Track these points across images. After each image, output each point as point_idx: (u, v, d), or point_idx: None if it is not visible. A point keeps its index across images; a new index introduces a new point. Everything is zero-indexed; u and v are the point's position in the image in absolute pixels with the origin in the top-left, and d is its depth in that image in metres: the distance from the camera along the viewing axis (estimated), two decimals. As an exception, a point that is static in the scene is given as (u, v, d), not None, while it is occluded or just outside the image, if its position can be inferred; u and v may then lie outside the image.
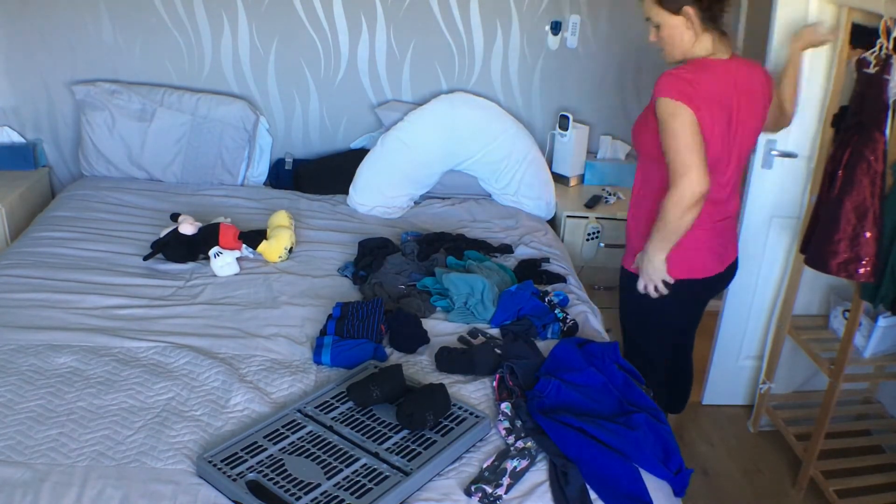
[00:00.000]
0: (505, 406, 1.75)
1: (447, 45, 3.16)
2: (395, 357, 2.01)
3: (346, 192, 3.04)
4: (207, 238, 2.43)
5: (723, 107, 1.93)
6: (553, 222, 3.18)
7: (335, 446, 1.59)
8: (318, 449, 1.58)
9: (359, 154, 3.11)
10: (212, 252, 2.38)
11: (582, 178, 3.32)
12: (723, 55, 1.98)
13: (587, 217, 3.02)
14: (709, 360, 2.95)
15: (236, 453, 1.55)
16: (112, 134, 3.01)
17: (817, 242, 2.20)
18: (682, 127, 1.85)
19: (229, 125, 3.06)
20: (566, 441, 1.63)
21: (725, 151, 1.99)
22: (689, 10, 1.91)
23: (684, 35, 1.95)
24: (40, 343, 1.93)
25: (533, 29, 3.18)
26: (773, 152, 2.58)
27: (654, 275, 2.02)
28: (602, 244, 3.02)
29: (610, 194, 3.18)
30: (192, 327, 2.07)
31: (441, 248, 2.52)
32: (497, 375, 1.86)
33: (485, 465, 1.58)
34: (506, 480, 1.53)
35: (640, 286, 2.06)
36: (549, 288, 2.39)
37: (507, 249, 2.67)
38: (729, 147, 2.00)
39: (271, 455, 1.55)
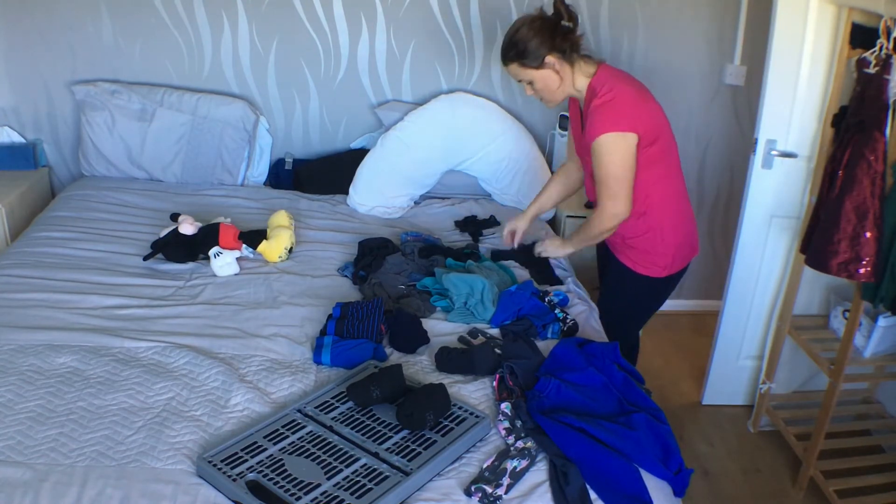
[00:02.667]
0: (505, 406, 1.75)
1: (447, 45, 3.16)
2: (395, 357, 2.01)
3: (346, 192, 3.04)
4: (207, 238, 2.43)
5: (649, 99, 2.10)
6: (553, 222, 3.18)
7: (335, 446, 1.59)
8: (318, 449, 1.58)
9: (359, 154, 3.11)
10: (212, 252, 2.38)
11: (582, 178, 3.32)
12: (592, 68, 2.12)
13: (587, 217, 3.02)
14: (709, 360, 2.95)
15: (236, 453, 1.55)
16: (112, 134, 3.01)
17: (817, 242, 2.20)
18: (615, 158, 2.02)
19: (229, 125, 3.06)
20: (566, 441, 1.63)
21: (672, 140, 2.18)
22: (550, 59, 2.06)
23: (556, 80, 2.10)
24: (40, 343, 1.93)
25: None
26: (773, 152, 2.58)
27: (560, 255, 2.41)
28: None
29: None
30: (192, 327, 2.07)
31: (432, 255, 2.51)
32: (497, 375, 1.86)
33: (485, 465, 1.58)
34: (506, 480, 1.53)
35: (540, 251, 2.40)
36: (549, 287, 2.39)
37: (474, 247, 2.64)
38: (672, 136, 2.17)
39: (271, 455, 1.55)
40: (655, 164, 2.11)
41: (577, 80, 2.12)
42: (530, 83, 2.13)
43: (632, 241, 2.23)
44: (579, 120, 2.22)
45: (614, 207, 2.08)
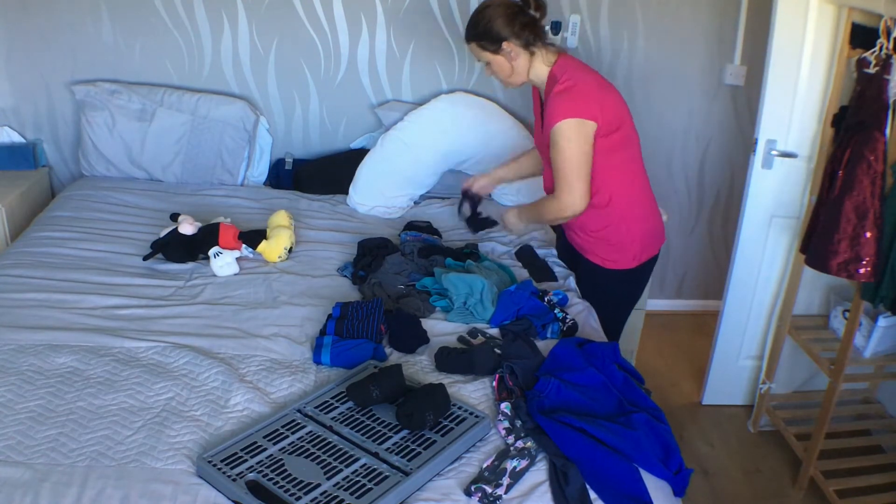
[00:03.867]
0: (505, 406, 1.75)
1: (447, 45, 3.16)
2: (394, 357, 2.01)
3: (346, 192, 3.04)
4: (207, 238, 2.43)
5: (610, 89, 2.13)
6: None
7: (335, 446, 1.59)
8: (318, 449, 1.58)
9: (359, 154, 3.11)
10: (212, 252, 2.38)
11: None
12: (553, 57, 2.14)
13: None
14: (709, 360, 2.95)
15: (236, 453, 1.55)
16: (112, 134, 3.01)
17: (817, 242, 2.20)
18: (573, 146, 2.04)
19: (229, 125, 3.06)
20: (566, 441, 1.63)
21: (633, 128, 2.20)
22: (507, 45, 2.09)
23: (508, 68, 2.13)
24: (40, 343, 1.93)
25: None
26: (773, 152, 2.58)
27: (514, 229, 2.44)
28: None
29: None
30: (192, 327, 2.07)
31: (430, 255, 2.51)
32: (497, 375, 1.86)
33: (485, 465, 1.58)
34: (506, 480, 1.53)
35: (506, 225, 2.41)
36: (547, 287, 2.39)
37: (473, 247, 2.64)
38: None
39: (271, 455, 1.55)
40: (616, 153, 2.14)
41: (537, 67, 2.14)
42: (488, 64, 2.17)
43: (597, 234, 2.26)
44: (539, 110, 2.24)
45: (570, 199, 2.09)
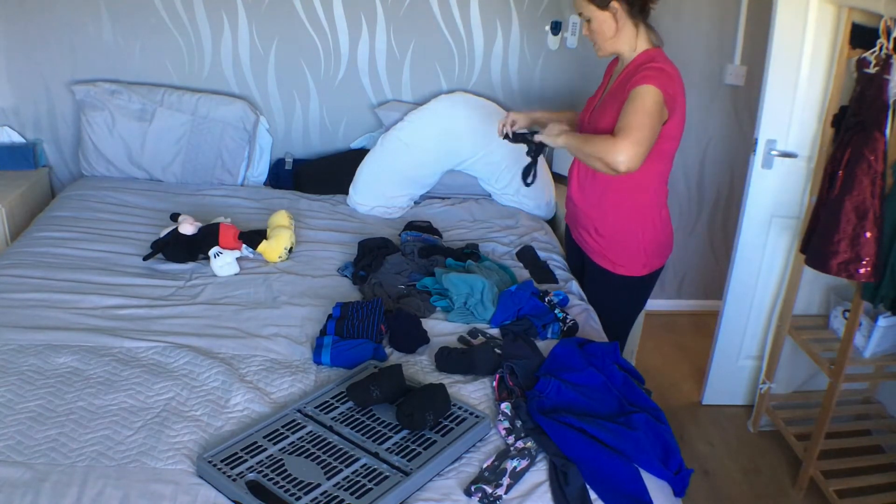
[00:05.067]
0: (505, 406, 1.75)
1: (447, 45, 3.16)
2: (395, 357, 2.01)
3: (346, 192, 3.04)
4: (207, 238, 2.43)
5: (684, 103, 2.09)
6: (553, 222, 3.18)
7: (335, 446, 1.59)
8: (318, 449, 1.58)
9: (359, 154, 3.11)
10: (212, 252, 2.38)
11: (582, 178, 3.32)
12: (654, 41, 2.12)
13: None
14: (709, 360, 2.95)
15: (236, 453, 1.55)
16: (112, 134, 3.01)
17: (817, 242, 2.20)
18: (654, 109, 1.95)
19: (229, 125, 3.06)
20: (566, 441, 1.63)
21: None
22: (615, 4, 2.05)
23: (612, 28, 2.09)
24: (40, 343, 1.93)
25: (533, 29, 3.18)
26: (773, 152, 2.58)
27: (553, 143, 2.14)
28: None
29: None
30: (192, 327, 2.07)
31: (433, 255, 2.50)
32: (497, 375, 1.86)
33: (485, 465, 1.58)
34: (506, 480, 1.53)
35: (537, 136, 2.20)
36: (548, 287, 2.39)
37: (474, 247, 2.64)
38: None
39: (271, 455, 1.55)
40: (658, 160, 2.11)
41: (640, 42, 2.12)
42: (589, 21, 2.12)
43: (612, 238, 2.24)
44: (608, 81, 2.23)
45: (632, 151, 1.89)
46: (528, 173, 2.34)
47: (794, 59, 2.48)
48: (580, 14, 2.14)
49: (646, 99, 1.95)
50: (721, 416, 2.95)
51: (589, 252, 2.33)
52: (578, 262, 2.47)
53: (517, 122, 2.36)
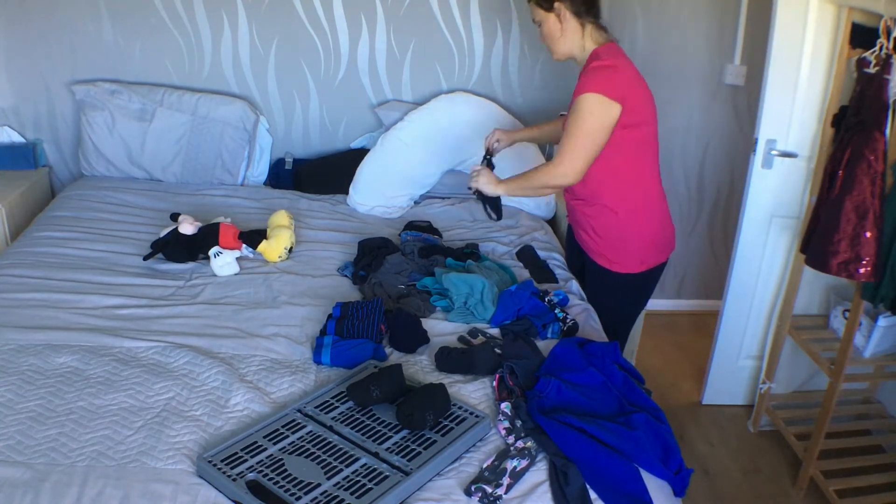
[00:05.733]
0: (505, 406, 1.75)
1: (447, 44, 3.16)
2: (395, 357, 2.01)
3: (346, 192, 3.04)
4: (207, 238, 2.43)
5: (643, 86, 2.11)
6: (553, 222, 3.18)
7: (335, 446, 1.59)
8: (318, 449, 1.58)
9: (359, 154, 3.11)
10: (212, 252, 2.38)
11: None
12: (603, 39, 2.15)
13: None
14: (709, 360, 2.95)
15: (236, 453, 1.55)
16: (112, 134, 3.01)
17: (817, 242, 2.20)
18: (593, 119, 2.01)
19: (229, 125, 3.06)
20: (566, 441, 1.63)
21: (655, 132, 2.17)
22: (559, 6, 2.09)
23: (557, 30, 2.13)
24: (40, 343, 1.93)
25: (533, 29, 3.17)
26: (773, 152, 2.58)
27: (488, 192, 2.24)
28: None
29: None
30: (192, 327, 2.07)
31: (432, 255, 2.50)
32: (497, 375, 1.86)
33: (485, 465, 1.58)
34: (506, 480, 1.53)
35: (470, 185, 2.27)
36: (548, 287, 2.39)
37: (473, 247, 2.64)
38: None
39: (271, 455, 1.55)
40: (637, 149, 2.14)
41: (587, 42, 2.15)
42: (540, 26, 2.17)
43: (605, 234, 2.24)
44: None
45: (569, 168, 2.04)
46: (491, 211, 2.38)
47: (794, 59, 2.48)
48: (534, 20, 2.19)
49: (581, 110, 2.02)
50: (721, 416, 2.95)
51: (588, 251, 2.33)
52: (579, 262, 2.47)
53: (501, 140, 2.48)
